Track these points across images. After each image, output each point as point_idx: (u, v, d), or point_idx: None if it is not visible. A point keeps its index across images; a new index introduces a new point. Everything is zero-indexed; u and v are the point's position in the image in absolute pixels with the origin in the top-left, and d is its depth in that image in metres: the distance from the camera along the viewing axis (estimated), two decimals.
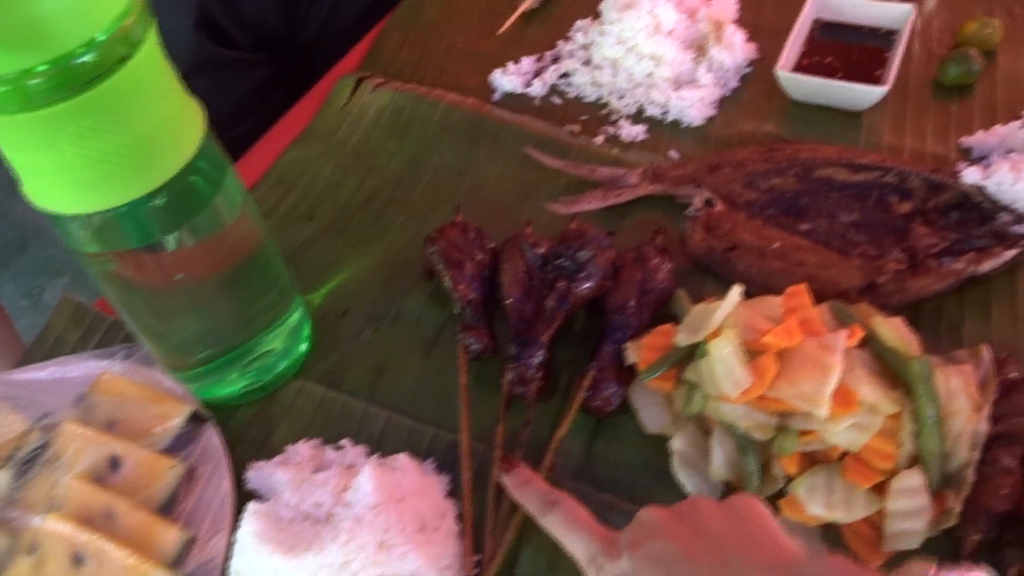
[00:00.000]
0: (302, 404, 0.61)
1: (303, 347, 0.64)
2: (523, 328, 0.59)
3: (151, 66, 0.45)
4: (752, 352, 0.51)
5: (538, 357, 0.57)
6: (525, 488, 0.51)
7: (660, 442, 0.55)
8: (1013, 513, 0.47)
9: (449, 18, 0.95)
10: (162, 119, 0.46)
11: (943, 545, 0.48)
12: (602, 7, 0.85)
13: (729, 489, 0.53)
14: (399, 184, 0.77)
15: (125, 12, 0.42)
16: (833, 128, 0.75)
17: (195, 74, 0.87)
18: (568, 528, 0.47)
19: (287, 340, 0.62)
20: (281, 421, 0.60)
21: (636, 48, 0.80)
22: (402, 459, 0.54)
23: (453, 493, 0.55)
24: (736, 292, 0.53)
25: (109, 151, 0.44)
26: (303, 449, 0.56)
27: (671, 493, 0.53)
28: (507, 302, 0.60)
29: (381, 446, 0.57)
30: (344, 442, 0.57)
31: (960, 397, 0.49)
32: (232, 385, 0.60)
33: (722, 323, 0.53)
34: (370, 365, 0.63)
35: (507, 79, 0.84)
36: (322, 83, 0.89)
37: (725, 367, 0.50)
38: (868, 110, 0.75)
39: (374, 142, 0.81)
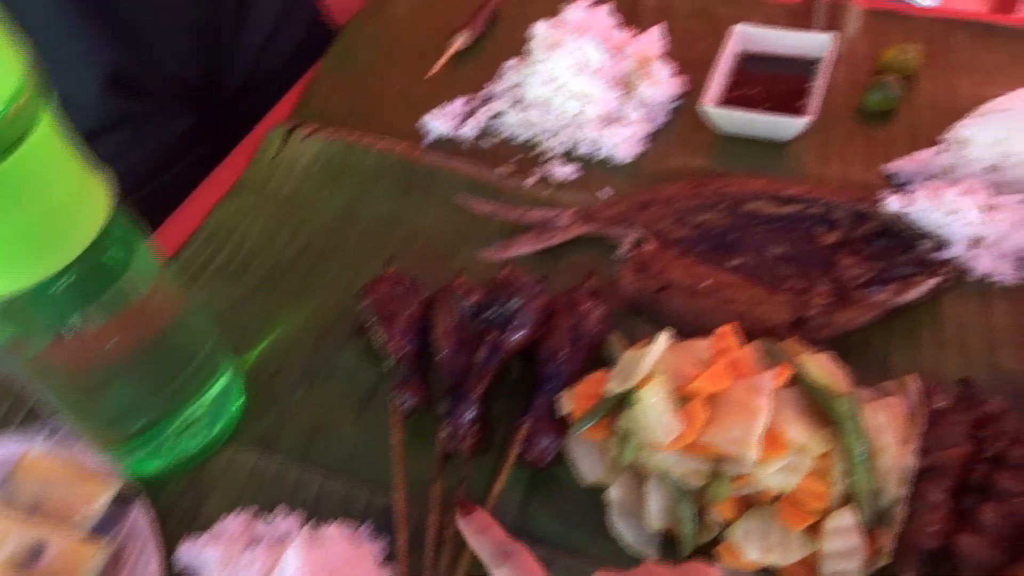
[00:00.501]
0: (234, 472, 0.59)
1: (235, 410, 0.62)
2: (456, 382, 0.58)
3: (48, 145, 0.44)
4: (683, 398, 0.51)
5: (471, 412, 0.56)
6: (482, 535, 0.49)
7: (598, 492, 0.54)
8: (944, 548, 0.47)
9: (379, 62, 0.95)
10: (64, 198, 0.45)
11: None
12: (530, 46, 0.85)
13: (667, 538, 0.52)
14: (332, 235, 0.76)
15: (17, 92, 0.41)
16: (761, 159, 0.76)
17: (108, 130, 0.86)
18: None
19: (216, 405, 0.60)
20: (213, 491, 0.58)
21: (565, 87, 0.80)
22: (332, 530, 0.52)
23: (391, 556, 0.53)
24: (664, 338, 0.53)
25: (8, 234, 0.43)
26: (233, 524, 0.54)
27: (610, 545, 0.53)
28: (439, 356, 0.60)
29: (316, 511, 0.56)
30: (277, 511, 0.56)
31: (887, 432, 0.50)
32: (163, 457, 0.59)
33: (651, 370, 0.52)
34: (304, 425, 0.62)
35: (438, 122, 0.84)
36: (252, 135, 0.88)
37: (655, 415, 0.50)
38: (794, 139, 0.76)
39: (306, 193, 0.80)
